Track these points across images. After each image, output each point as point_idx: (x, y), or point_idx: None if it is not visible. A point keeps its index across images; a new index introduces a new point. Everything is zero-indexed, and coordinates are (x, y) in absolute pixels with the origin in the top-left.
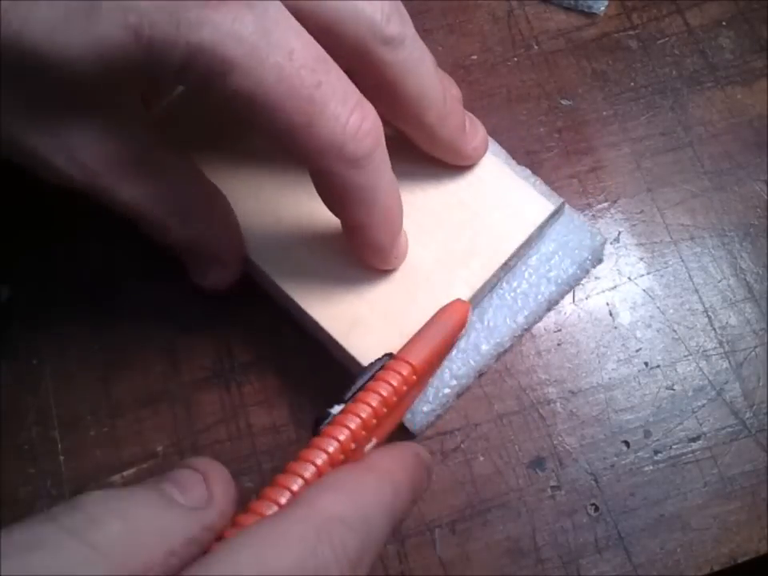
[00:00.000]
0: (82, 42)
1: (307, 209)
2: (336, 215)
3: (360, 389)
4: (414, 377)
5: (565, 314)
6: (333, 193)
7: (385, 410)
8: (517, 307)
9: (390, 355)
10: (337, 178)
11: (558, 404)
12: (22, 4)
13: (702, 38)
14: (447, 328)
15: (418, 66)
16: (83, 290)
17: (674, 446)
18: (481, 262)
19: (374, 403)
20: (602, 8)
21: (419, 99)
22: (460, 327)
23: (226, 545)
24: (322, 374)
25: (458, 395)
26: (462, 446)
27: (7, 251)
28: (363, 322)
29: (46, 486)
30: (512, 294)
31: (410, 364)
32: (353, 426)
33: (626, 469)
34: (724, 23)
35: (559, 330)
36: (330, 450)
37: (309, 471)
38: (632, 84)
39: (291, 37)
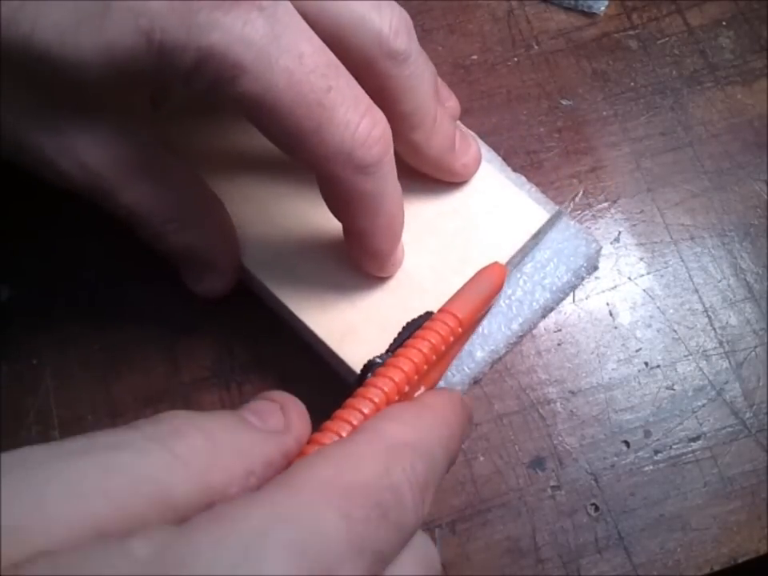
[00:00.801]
0: (92, 46)
1: (303, 217)
2: (339, 220)
3: (401, 344)
4: (460, 329)
5: (565, 313)
6: (339, 198)
7: (434, 357)
8: (512, 314)
9: (429, 313)
10: (344, 184)
11: (558, 404)
12: (33, 6)
13: (702, 38)
14: (488, 287)
15: (419, 83)
16: (83, 290)
17: (674, 446)
18: (475, 269)
19: (425, 349)
20: (602, 8)
21: (410, 117)
22: (498, 288)
23: (303, 461)
24: (322, 374)
25: None
26: (462, 445)
27: (7, 251)
28: (357, 329)
29: None
30: (507, 302)
31: (456, 317)
32: (406, 368)
33: (625, 469)
34: (724, 23)
35: (559, 330)
36: (386, 389)
37: (367, 407)
38: (632, 84)
39: (301, 41)
